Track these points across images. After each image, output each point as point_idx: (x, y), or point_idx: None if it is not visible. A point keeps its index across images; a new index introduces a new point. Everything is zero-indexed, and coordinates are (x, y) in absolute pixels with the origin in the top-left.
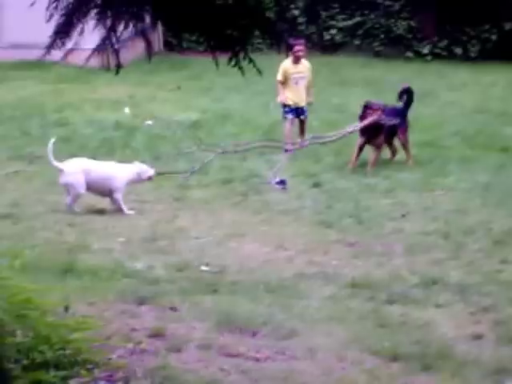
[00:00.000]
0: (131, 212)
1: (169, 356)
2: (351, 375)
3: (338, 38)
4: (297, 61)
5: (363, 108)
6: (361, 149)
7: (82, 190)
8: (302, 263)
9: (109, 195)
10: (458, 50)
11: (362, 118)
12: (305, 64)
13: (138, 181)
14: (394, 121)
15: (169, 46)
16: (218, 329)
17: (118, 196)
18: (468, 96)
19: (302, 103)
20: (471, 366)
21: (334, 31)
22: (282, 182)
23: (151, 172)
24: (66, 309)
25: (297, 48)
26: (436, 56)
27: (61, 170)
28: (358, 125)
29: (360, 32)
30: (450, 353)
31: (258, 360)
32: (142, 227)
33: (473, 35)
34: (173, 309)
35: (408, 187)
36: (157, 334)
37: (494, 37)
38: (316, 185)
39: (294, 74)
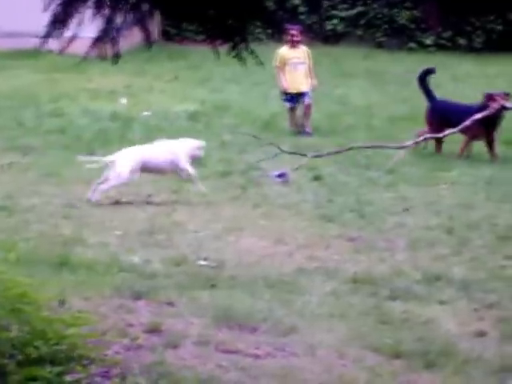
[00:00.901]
0: (204, 190)
1: (165, 352)
2: (352, 372)
3: (340, 28)
4: (294, 46)
5: (485, 98)
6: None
7: (122, 180)
8: (302, 258)
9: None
10: (463, 41)
11: (483, 108)
12: (303, 49)
13: (195, 157)
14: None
15: (166, 36)
16: (216, 324)
17: (190, 171)
18: (472, 88)
19: (303, 88)
20: (474, 363)
21: (335, 21)
22: (283, 175)
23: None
24: (62, 303)
25: (290, 32)
26: (440, 47)
27: (112, 161)
28: (484, 113)
29: (362, 22)
30: (453, 350)
31: (257, 357)
32: (139, 220)
33: (478, 26)
34: (170, 304)
35: (411, 181)
36: (153, 330)
37: (499, 27)
38: (317, 178)
39: (293, 60)
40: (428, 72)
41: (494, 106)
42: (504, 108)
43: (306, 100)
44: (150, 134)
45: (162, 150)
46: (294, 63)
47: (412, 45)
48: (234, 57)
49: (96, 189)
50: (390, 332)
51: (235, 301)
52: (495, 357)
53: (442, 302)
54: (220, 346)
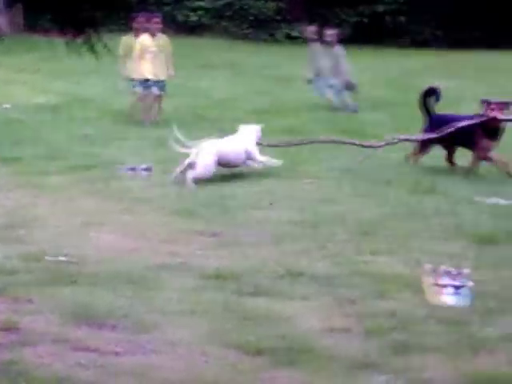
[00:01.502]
0: (277, 162)
1: (23, 350)
2: (213, 370)
3: (205, 19)
4: (153, 34)
5: (484, 105)
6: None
7: (209, 173)
8: (164, 254)
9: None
10: None
11: (482, 117)
12: (161, 37)
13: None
14: None
15: (29, 27)
16: (75, 322)
17: (260, 158)
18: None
19: (160, 77)
20: (338, 360)
21: (201, 12)
22: (148, 169)
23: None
24: None
25: (139, 20)
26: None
27: (197, 148)
28: (473, 121)
29: (228, 14)
30: (316, 347)
31: (116, 354)
32: None
33: (344, 19)
34: (28, 301)
35: (275, 175)
36: (10, 327)
37: (365, 20)
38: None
39: (152, 48)
40: (431, 92)
41: (491, 114)
42: (497, 119)
43: (161, 90)
44: (10, 127)
45: (235, 144)
46: (154, 52)
47: (279, 37)
48: (87, 49)
49: (180, 175)
50: (253, 329)
51: (96, 297)
52: (359, 353)
53: (305, 298)
54: (79, 343)
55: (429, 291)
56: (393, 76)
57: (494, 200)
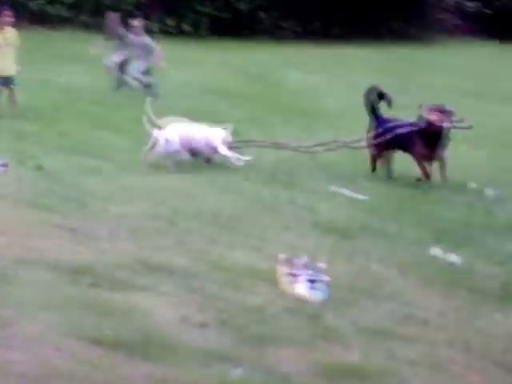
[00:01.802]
0: (248, 158)
1: None
2: (68, 365)
3: (64, 12)
4: (1, 28)
5: (422, 109)
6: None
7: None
8: (20, 249)
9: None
10: (187, 28)
11: (428, 124)
12: (8, 31)
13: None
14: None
15: None
16: None
17: (228, 153)
18: (197, 75)
19: (11, 71)
20: (194, 353)
21: (58, 6)
22: (4, 165)
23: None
24: None
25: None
26: (165, 33)
27: (162, 139)
28: (405, 129)
29: (87, 7)
30: (173, 340)
31: None
32: None
33: (203, 12)
34: None
35: (133, 170)
36: None
37: (225, 14)
38: (37, 167)
39: (1, 42)
40: (381, 96)
41: (431, 119)
42: (433, 124)
43: (11, 84)
44: None
45: (202, 131)
46: (3, 45)
47: None
48: None
49: (147, 154)
50: (109, 323)
51: None
52: (216, 346)
53: (162, 292)
54: None
55: (283, 280)
56: (251, 70)
57: (349, 193)
